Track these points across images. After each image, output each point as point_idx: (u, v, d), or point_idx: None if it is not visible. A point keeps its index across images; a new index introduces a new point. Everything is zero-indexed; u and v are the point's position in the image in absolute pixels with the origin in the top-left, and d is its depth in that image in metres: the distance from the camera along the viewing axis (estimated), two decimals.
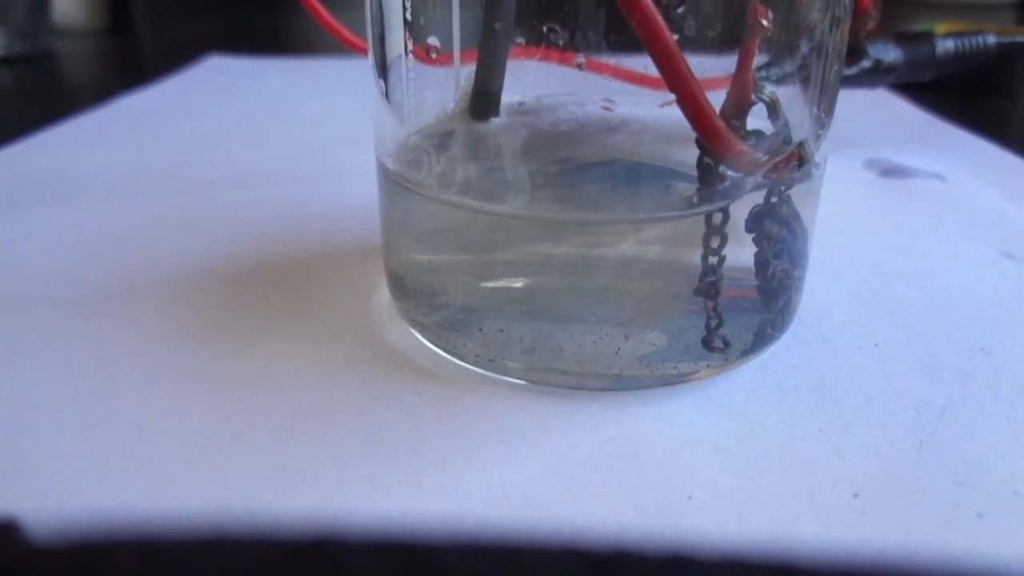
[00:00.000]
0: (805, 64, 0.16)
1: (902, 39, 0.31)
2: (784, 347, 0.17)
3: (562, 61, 0.16)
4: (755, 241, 0.16)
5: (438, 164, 0.18)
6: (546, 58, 0.16)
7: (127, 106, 0.38)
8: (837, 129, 0.34)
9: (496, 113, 0.19)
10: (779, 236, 0.16)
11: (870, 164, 0.30)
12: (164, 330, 0.18)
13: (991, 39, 0.32)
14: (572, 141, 0.19)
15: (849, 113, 0.32)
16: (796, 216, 0.16)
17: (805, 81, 0.16)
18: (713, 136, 0.13)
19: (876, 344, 0.17)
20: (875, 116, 0.33)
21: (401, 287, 0.18)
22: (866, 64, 0.30)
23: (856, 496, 0.13)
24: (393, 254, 0.19)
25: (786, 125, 0.15)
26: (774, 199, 0.15)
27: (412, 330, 0.18)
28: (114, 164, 0.30)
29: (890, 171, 0.29)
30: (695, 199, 0.15)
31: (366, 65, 0.18)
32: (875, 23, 0.31)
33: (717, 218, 0.15)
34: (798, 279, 0.18)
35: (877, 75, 0.30)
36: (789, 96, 0.15)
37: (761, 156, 0.15)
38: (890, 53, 0.30)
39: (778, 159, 0.15)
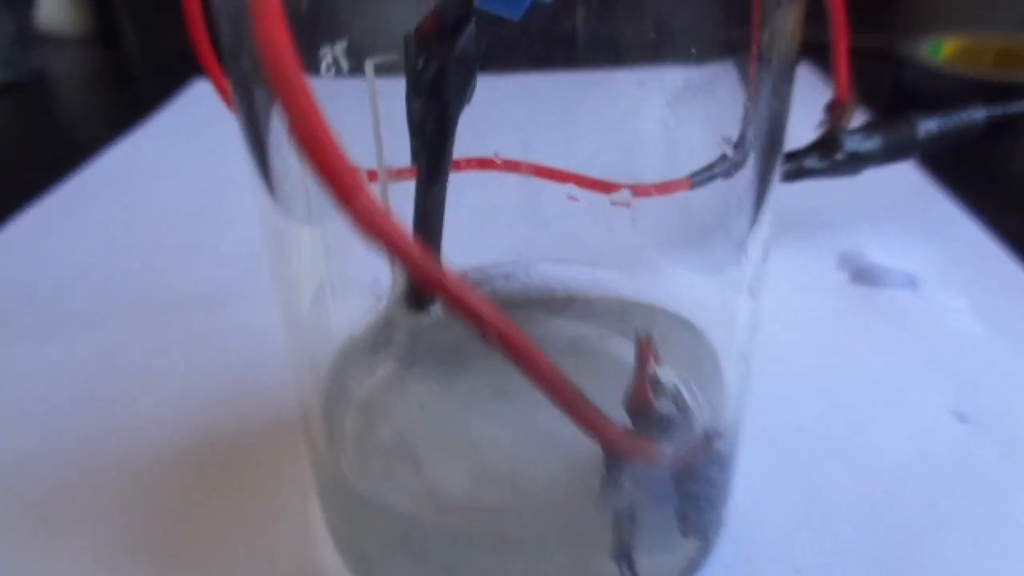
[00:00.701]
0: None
1: (882, 125, 0.30)
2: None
3: None
4: (673, 501, 0.16)
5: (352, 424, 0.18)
6: None
7: (105, 169, 0.39)
8: (820, 209, 0.33)
9: (433, 300, 0.19)
10: (696, 493, 0.16)
11: (843, 261, 0.29)
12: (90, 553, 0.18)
13: (978, 114, 0.30)
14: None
15: (835, 187, 0.31)
16: (711, 475, 0.16)
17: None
18: (613, 448, 0.13)
19: (798, 573, 0.17)
20: (860, 189, 0.32)
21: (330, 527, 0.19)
22: (839, 157, 0.29)
23: None
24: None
25: (693, 416, 0.15)
26: (687, 472, 0.15)
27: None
28: (74, 277, 0.30)
29: (862, 275, 0.29)
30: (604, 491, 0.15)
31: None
32: (851, 115, 0.30)
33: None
34: (719, 510, 0.18)
35: (853, 164, 0.29)
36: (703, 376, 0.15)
37: (668, 449, 0.15)
38: (867, 143, 0.29)
39: (687, 448, 0.15)
